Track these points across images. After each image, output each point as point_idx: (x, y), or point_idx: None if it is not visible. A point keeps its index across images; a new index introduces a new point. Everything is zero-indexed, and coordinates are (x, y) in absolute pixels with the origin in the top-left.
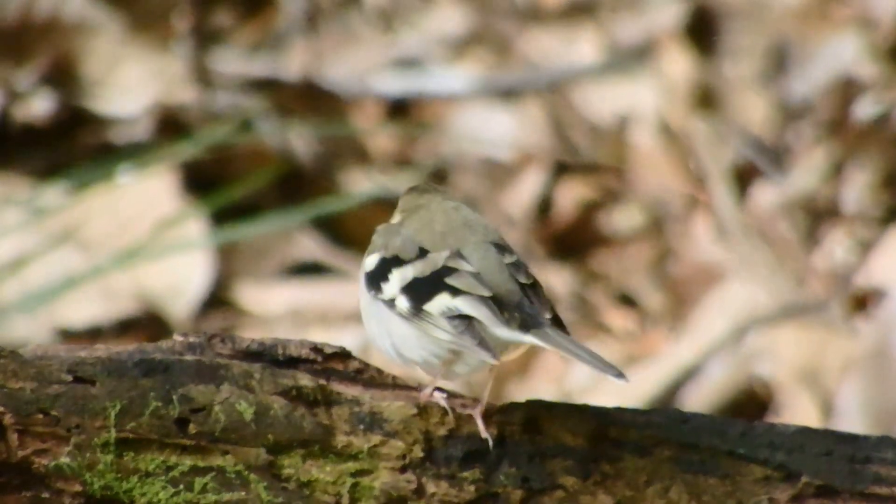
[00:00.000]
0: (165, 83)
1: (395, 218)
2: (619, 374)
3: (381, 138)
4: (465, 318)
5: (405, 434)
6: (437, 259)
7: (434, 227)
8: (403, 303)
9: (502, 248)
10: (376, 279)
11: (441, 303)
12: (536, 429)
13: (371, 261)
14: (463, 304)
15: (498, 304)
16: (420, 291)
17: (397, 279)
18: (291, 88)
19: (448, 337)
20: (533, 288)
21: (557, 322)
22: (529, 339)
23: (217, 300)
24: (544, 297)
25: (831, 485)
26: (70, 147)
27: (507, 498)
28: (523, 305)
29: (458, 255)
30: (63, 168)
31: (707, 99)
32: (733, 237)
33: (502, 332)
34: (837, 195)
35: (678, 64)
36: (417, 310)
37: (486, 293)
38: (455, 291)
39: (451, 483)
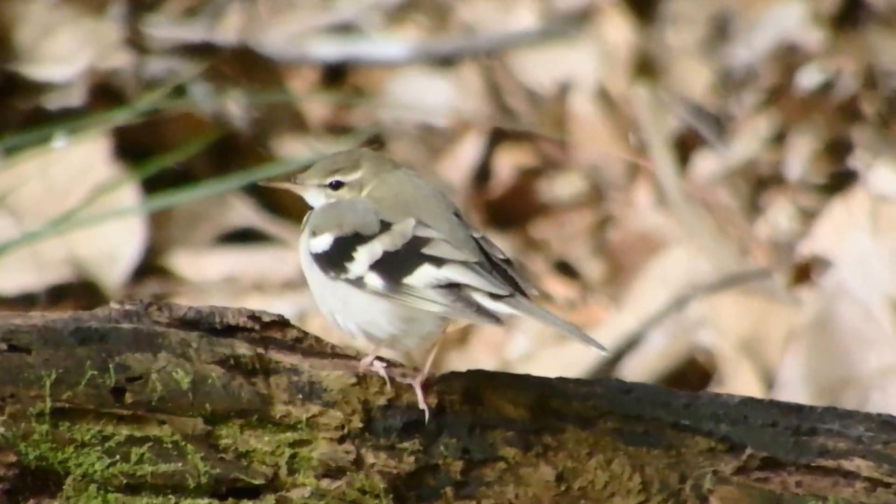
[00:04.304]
0: (99, 49)
1: (347, 192)
2: (601, 346)
3: (317, 105)
4: (454, 287)
5: (344, 404)
6: (405, 230)
7: (397, 199)
8: (375, 280)
9: (464, 222)
10: (335, 260)
11: (426, 274)
12: (477, 399)
13: (321, 242)
14: (452, 273)
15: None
16: (395, 265)
17: (365, 257)
18: (227, 54)
19: (440, 309)
20: (509, 264)
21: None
22: (506, 309)
23: (151, 267)
24: (525, 274)
25: (776, 457)
26: (2, 113)
27: (447, 469)
28: (495, 276)
29: (422, 223)
30: None
31: (648, 66)
32: (675, 205)
33: (487, 300)
34: (780, 163)
35: (618, 30)
36: (396, 284)
37: (472, 258)
38: (438, 261)
39: (390, 454)
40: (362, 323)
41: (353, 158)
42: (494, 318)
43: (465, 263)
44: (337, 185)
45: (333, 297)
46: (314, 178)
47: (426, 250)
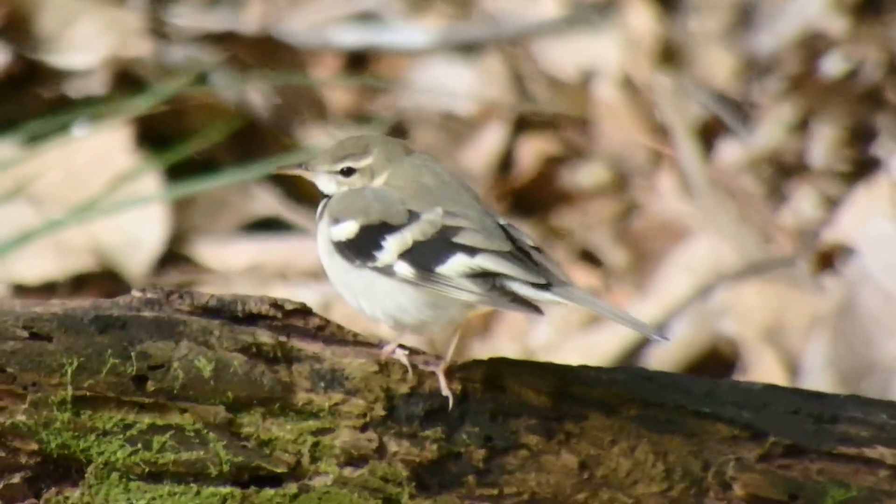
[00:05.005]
0: (121, 36)
1: (359, 178)
2: (660, 335)
3: (339, 92)
4: (488, 277)
5: (366, 392)
6: (434, 219)
7: (419, 186)
8: (406, 269)
9: (488, 209)
10: (362, 248)
11: (460, 263)
12: (499, 387)
13: (345, 229)
14: (486, 262)
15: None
16: (426, 255)
17: (395, 246)
18: (248, 41)
19: (475, 298)
20: (539, 251)
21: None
22: (553, 297)
23: (174, 255)
24: (554, 261)
25: (798, 444)
26: (24, 101)
27: (469, 457)
28: (528, 264)
29: (450, 213)
30: (17, 122)
31: (671, 54)
32: (698, 193)
33: (527, 289)
34: (804, 150)
35: (641, 18)
36: (428, 273)
37: (506, 248)
38: (471, 250)
39: (412, 442)
40: (389, 309)
41: (362, 143)
42: (532, 306)
43: (498, 252)
44: (348, 172)
45: (359, 284)
46: (324, 164)
47: (458, 239)
